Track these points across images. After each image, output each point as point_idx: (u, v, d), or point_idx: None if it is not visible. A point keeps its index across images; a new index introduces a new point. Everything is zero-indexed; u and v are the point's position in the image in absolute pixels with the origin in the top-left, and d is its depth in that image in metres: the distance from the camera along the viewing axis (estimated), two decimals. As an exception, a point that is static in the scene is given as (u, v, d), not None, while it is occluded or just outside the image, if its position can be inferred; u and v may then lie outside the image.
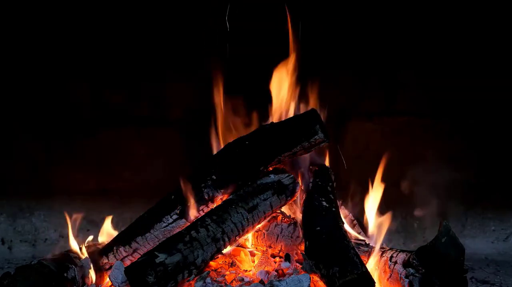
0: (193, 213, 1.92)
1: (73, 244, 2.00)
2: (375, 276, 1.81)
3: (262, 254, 1.93)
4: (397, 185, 2.57)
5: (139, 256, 1.81)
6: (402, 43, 2.75)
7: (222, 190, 1.93)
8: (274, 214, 1.98)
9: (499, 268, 2.56)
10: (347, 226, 2.03)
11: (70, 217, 2.10)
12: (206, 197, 1.92)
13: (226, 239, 1.78)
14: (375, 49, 2.76)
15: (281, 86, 2.16)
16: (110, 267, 1.86)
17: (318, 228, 1.77)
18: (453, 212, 2.87)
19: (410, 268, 1.67)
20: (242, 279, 1.77)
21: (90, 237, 2.12)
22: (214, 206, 1.91)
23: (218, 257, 1.84)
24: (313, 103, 2.14)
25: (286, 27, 2.18)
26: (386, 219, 2.03)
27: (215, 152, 2.10)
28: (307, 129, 1.89)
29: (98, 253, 1.96)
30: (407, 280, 1.65)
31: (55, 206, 2.81)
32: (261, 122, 2.11)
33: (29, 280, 1.70)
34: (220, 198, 1.94)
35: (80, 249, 1.98)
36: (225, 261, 1.88)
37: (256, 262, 1.90)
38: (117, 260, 1.91)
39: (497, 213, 2.88)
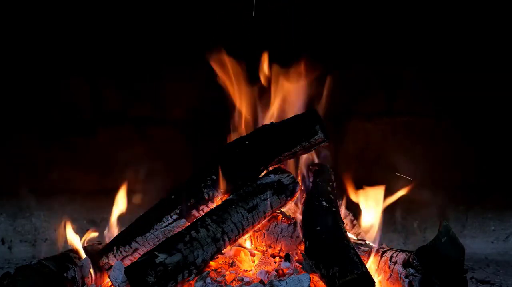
0: (193, 213, 1.92)
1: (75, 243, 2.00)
2: (375, 276, 1.81)
3: (262, 254, 1.93)
4: (397, 185, 2.57)
5: (139, 256, 1.81)
6: (402, 43, 2.75)
7: (222, 190, 1.93)
8: (274, 214, 1.98)
9: (499, 268, 2.56)
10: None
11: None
12: (206, 197, 1.92)
13: (226, 239, 1.78)
14: (375, 49, 2.76)
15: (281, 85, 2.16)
16: (110, 267, 1.86)
17: (318, 228, 1.77)
18: (453, 212, 2.87)
19: (410, 268, 1.67)
20: (242, 279, 1.77)
21: (90, 236, 2.12)
22: (214, 206, 1.91)
23: (218, 257, 1.84)
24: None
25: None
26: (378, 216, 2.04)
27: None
28: (307, 129, 1.89)
29: (98, 253, 1.96)
30: (407, 280, 1.65)
31: (55, 206, 2.81)
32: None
33: (29, 280, 1.70)
34: (220, 198, 1.94)
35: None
36: (225, 261, 1.88)
37: (256, 262, 1.90)
38: (117, 260, 1.91)
39: (497, 213, 2.88)
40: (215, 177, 1.92)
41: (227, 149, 2.00)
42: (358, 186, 2.22)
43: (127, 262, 1.88)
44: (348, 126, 2.85)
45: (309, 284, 1.66)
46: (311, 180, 2.08)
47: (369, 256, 1.89)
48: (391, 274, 1.76)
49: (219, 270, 1.83)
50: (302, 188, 2.05)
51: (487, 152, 2.83)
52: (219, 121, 2.27)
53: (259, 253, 1.97)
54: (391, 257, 1.80)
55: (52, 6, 2.67)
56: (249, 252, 1.95)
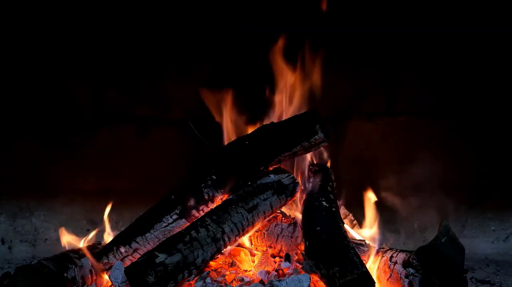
0: (193, 213, 1.92)
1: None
2: (375, 276, 1.81)
3: (262, 254, 1.93)
4: (397, 185, 2.57)
5: (139, 256, 1.81)
6: (402, 43, 2.75)
7: (222, 190, 1.93)
8: (274, 214, 1.98)
9: (499, 268, 2.56)
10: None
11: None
12: (206, 197, 1.92)
13: (226, 239, 1.78)
14: (376, 49, 2.76)
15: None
16: (110, 267, 1.86)
17: (318, 228, 1.77)
18: (453, 212, 2.87)
19: (410, 268, 1.67)
20: (242, 279, 1.77)
21: (90, 236, 2.12)
22: (214, 206, 1.91)
23: (218, 257, 1.84)
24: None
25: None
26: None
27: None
28: (307, 129, 1.89)
29: (98, 253, 1.96)
30: (407, 280, 1.65)
31: (55, 206, 2.81)
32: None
33: (29, 280, 1.70)
34: (220, 198, 1.94)
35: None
36: (225, 261, 1.88)
37: (256, 262, 1.90)
38: (117, 260, 1.91)
39: (497, 213, 2.88)
40: (215, 177, 1.92)
41: (227, 149, 2.00)
42: (358, 186, 2.22)
43: (127, 262, 1.88)
44: (348, 126, 2.85)
45: (309, 284, 1.66)
46: (311, 180, 2.08)
47: (369, 256, 1.89)
48: (391, 274, 1.76)
49: (219, 270, 1.83)
50: (302, 188, 2.05)
51: (487, 152, 2.83)
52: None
53: (259, 253, 1.97)
54: (391, 257, 1.80)
55: (53, 7, 2.67)
56: (249, 252, 1.95)
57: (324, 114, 1.99)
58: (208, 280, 1.71)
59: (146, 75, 2.79)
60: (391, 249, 1.89)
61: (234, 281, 1.77)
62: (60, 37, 2.72)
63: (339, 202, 2.10)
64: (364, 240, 2.00)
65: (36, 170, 2.79)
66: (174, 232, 1.84)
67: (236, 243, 1.91)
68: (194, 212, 1.93)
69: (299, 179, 2.06)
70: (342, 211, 2.14)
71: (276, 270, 1.82)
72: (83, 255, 1.93)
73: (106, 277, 1.91)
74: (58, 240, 2.78)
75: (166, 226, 1.91)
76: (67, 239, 2.06)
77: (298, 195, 2.00)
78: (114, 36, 2.73)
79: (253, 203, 1.86)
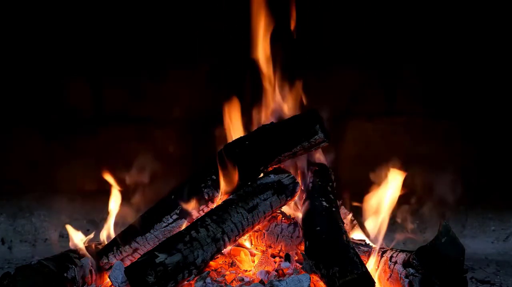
0: (193, 213, 1.92)
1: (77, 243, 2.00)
2: (375, 276, 1.81)
3: (262, 254, 1.93)
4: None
5: (139, 256, 1.81)
6: (403, 43, 2.75)
7: (222, 190, 1.93)
8: (274, 214, 1.98)
9: (499, 268, 2.56)
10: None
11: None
12: (206, 197, 1.92)
13: (226, 239, 1.78)
14: (376, 49, 2.76)
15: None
16: (110, 267, 1.87)
17: (318, 228, 1.77)
18: (453, 212, 2.87)
19: (410, 268, 1.67)
20: (242, 279, 1.77)
21: (91, 236, 2.12)
22: (214, 206, 1.91)
23: (218, 257, 1.84)
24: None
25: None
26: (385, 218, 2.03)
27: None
28: (307, 129, 1.89)
29: (98, 253, 1.96)
30: (407, 280, 1.65)
31: (55, 206, 2.81)
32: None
33: (29, 280, 1.70)
34: (220, 198, 1.94)
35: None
36: (225, 261, 1.88)
37: (256, 262, 1.90)
38: (117, 260, 1.91)
39: (497, 213, 2.88)
40: (215, 177, 1.92)
41: (227, 149, 2.00)
42: (358, 186, 2.22)
43: (127, 262, 1.88)
44: (348, 126, 2.85)
45: (309, 284, 1.66)
46: (311, 180, 2.08)
47: (369, 256, 1.89)
48: (391, 274, 1.76)
49: (219, 270, 1.83)
50: (302, 188, 2.05)
51: (487, 152, 2.83)
52: (219, 121, 2.27)
53: (259, 253, 1.97)
54: (391, 257, 1.80)
55: (54, 6, 2.67)
56: (249, 252, 1.95)
57: (324, 114, 1.99)
58: (208, 280, 1.71)
59: (146, 75, 2.79)
60: (391, 249, 1.89)
61: (234, 281, 1.77)
62: (60, 37, 2.72)
63: (339, 202, 2.10)
64: (364, 240, 2.00)
65: (36, 170, 2.79)
66: (174, 232, 1.84)
67: (236, 243, 1.91)
68: (194, 212, 1.93)
69: (299, 179, 2.06)
70: (342, 211, 2.14)
71: (276, 270, 1.82)
72: (83, 255, 1.93)
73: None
74: (58, 240, 2.81)
75: (166, 226, 1.91)
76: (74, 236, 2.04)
77: (298, 195, 2.00)
78: (114, 36, 2.73)
79: (253, 203, 1.86)
